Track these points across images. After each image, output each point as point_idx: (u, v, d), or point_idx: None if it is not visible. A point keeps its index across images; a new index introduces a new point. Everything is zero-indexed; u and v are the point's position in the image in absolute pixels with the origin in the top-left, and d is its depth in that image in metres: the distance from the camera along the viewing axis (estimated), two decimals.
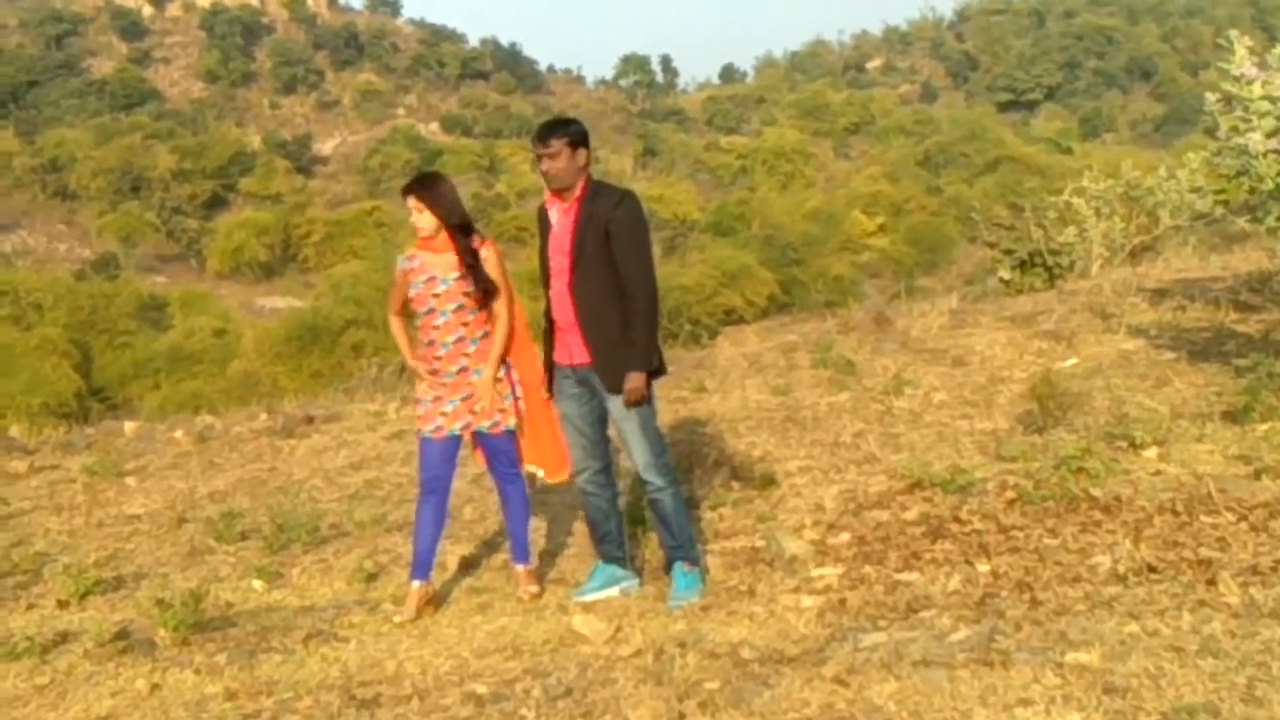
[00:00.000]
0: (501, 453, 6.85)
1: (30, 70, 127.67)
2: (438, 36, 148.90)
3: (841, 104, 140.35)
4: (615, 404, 6.40)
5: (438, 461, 6.78)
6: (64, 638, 6.85)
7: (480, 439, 6.86)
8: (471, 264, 6.63)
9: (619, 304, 6.29)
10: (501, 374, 6.81)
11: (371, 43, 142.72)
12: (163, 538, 8.90)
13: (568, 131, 6.34)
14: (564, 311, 6.45)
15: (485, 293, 6.66)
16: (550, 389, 6.66)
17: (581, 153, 6.35)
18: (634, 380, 6.29)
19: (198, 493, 10.05)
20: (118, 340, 68.24)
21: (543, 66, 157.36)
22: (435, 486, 6.80)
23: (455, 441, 6.81)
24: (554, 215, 6.46)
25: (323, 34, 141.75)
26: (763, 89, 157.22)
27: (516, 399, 6.85)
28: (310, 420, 12.09)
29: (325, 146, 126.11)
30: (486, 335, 6.76)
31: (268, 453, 11.23)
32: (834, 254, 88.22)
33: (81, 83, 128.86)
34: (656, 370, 6.46)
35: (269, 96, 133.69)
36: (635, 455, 6.45)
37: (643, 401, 6.34)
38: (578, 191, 6.37)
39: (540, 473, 7.02)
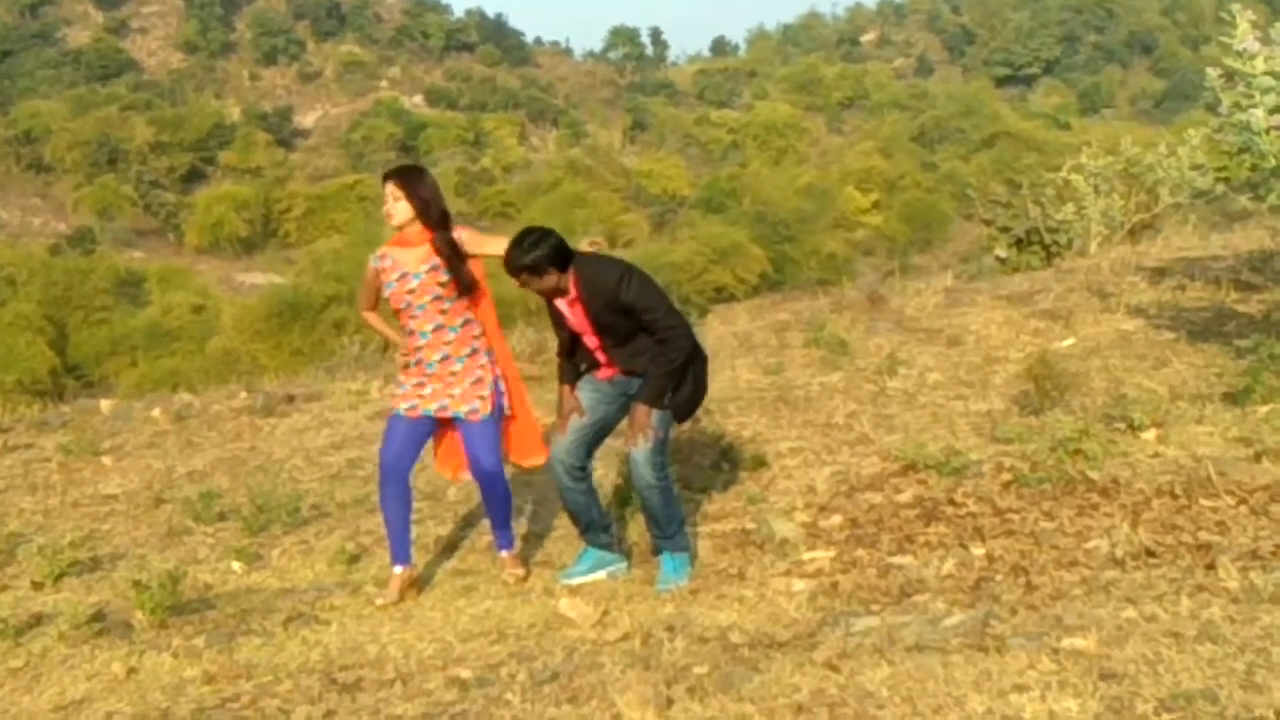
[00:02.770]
0: (479, 441, 6.68)
1: (4, 40, 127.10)
2: (421, 7, 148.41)
3: (835, 78, 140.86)
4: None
5: (403, 440, 6.63)
6: (38, 620, 6.78)
7: (459, 426, 6.71)
8: (450, 257, 6.50)
9: (647, 340, 6.30)
10: (485, 361, 6.66)
11: (354, 13, 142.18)
12: (140, 518, 8.81)
13: (530, 265, 6.19)
14: (610, 362, 6.48)
15: (466, 287, 6.55)
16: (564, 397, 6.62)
17: (554, 270, 6.23)
18: (641, 414, 6.25)
19: (176, 472, 9.95)
20: (94, 316, 68.41)
21: (529, 38, 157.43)
22: (395, 474, 6.64)
23: (426, 424, 6.67)
24: (562, 307, 6.41)
25: (304, 3, 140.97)
26: (755, 62, 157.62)
27: (499, 393, 6.72)
28: (291, 399, 11.99)
29: (307, 119, 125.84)
30: (467, 323, 6.63)
31: (247, 432, 11.13)
32: (827, 231, 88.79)
33: (57, 53, 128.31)
34: (683, 411, 6.46)
35: (249, 67, 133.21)
36: (637, 446, 6.33)
37: (652, 437, 6.26)
38: (571, 291, 6.30)
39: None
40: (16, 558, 7.89)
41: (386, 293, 6.59)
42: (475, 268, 6.62)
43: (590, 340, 6.43)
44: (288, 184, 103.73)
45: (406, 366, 6.68)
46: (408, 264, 6.53)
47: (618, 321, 6.28)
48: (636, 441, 6.26)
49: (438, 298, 6.52)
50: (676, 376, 6.28)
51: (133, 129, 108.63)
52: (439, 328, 6.55)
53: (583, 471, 6.54)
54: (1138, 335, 10.10)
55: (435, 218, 6.51)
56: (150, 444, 10.95)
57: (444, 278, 6.50)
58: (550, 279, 6.23)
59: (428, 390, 6.59)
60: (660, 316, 6.22)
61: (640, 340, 6.31)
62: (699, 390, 6.47)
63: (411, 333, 6.59)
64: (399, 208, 6.51)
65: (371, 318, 6.89)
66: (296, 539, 7.92)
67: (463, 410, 6.60)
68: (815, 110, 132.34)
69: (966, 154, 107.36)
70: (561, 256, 6.22)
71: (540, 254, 6.18)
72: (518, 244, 6.25)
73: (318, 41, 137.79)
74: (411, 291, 6.51)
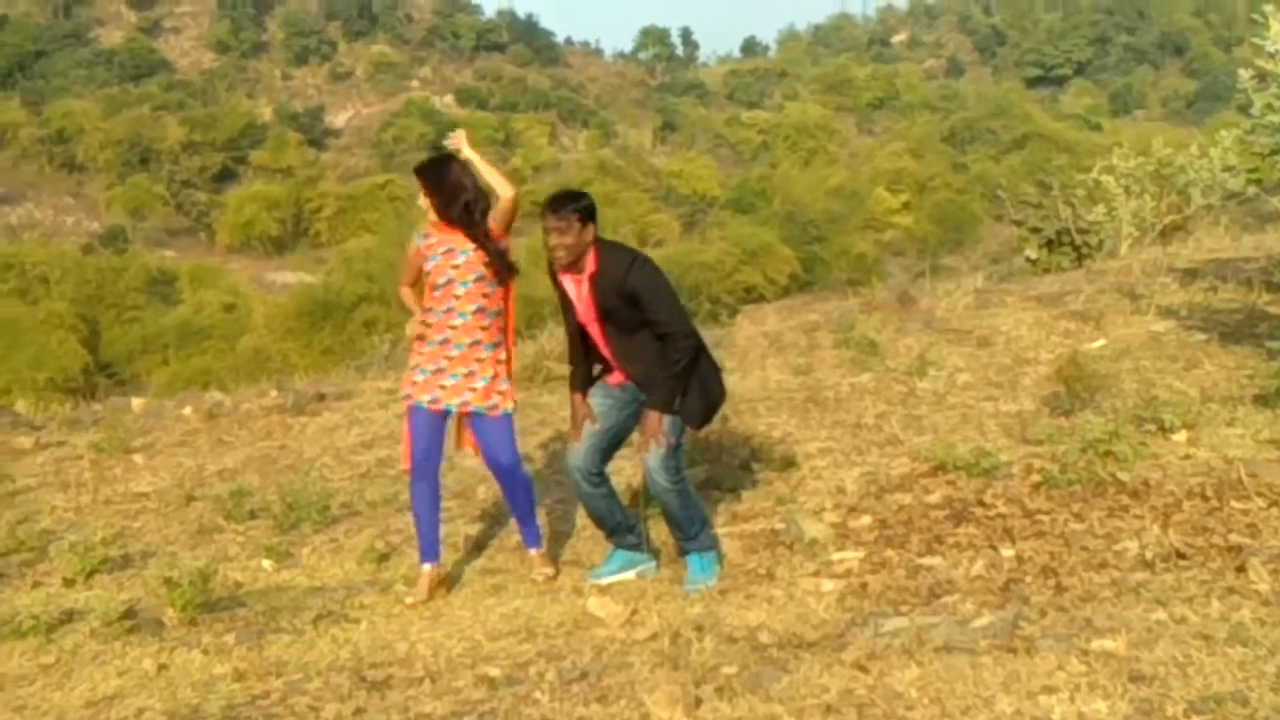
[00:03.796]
0: (498, 437, 6.68)
1: (37, 39, 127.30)
2: (453, 7, 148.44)
3: (866, 79, 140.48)
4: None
5: (428, 436, 6.62)
6: (70, 616, 6.81)
7: (475, 422, 6.69)
8: (484, 247, 6.49)
9: (654, 342, 6.26)
10: (503, 356, 6.68)
11: (385, 13, 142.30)
12: (171, 516, 8.84)
13: (579, 206, 6.22)
14: (612, 359, 6.45)
15: (505, 271, 6.54)
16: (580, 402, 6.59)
17: (590, 228, 6.24)
18: (652, 420, 6.23)
19: (206, 470, 9.98)
20: (126, 315, 68.61)
21: (560, 39, 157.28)
22: (427, 467, 6.66)
23: (446, 417, 6.67)
24: (569, 288, 6.39)
25: (335, 4, 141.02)
26: (785, 63, 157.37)
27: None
28: (321, 398, 12.00)
29: (338, 119, 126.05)
30: (500, 313, 6.63)
31: (278, 430, 11.14)
32: (857, 232, 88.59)
33: (90, 52, 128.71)
34: (695, 417, 6.41)
35: (280, 67, 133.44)
36: (650, 452, 6.31)
37: (664, 443, 6.24)
38: (589, 267, 6.27)
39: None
40: (48, 555, 7.93)
41: (429, 266, 6.54)
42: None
43: (594, 329, 6.37)
44: (319, 183, 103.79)
45: (421, 338, 6.59)
46: (455, 241, 6.51)
47: (622, 309, 6.23)
48: (648, 447, 6.25)
49: (481, 278, 6.50)
50: (684, 381, 6.26)
51: (165, 129, 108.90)
52: (480, 310, 6.54)
53: (600, 477, 6.53)
54: (1169, 337, 10.04)
55: (456, 215, 6.48)
56: (181, 442, 10.98)
57: (489, 258, 6.50)
58: (570, 236, 6.14)
59: (449, 381, 6.56)
60: (664, 312, 6.19)
61: (641, 339, 6.26)
62: (710, 396, 6.42)
63: (450, 310, 6.53)
64: (427, 203, 6.53)
65: (407, 293, 6.82)
66: (327, 537, 7.93)
67: (484, 406, 6.60)
68: (846, 111, 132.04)
69: (997, 155, 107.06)
70: (590, 212, 6.24)
71: (578, 204, 6.19)
72: (560, 192, 6.34)
73: (349, 41, 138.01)
74: (456, 267, 6.49)
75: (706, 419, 6.55)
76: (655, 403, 6.23)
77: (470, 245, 6.49)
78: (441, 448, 6.73)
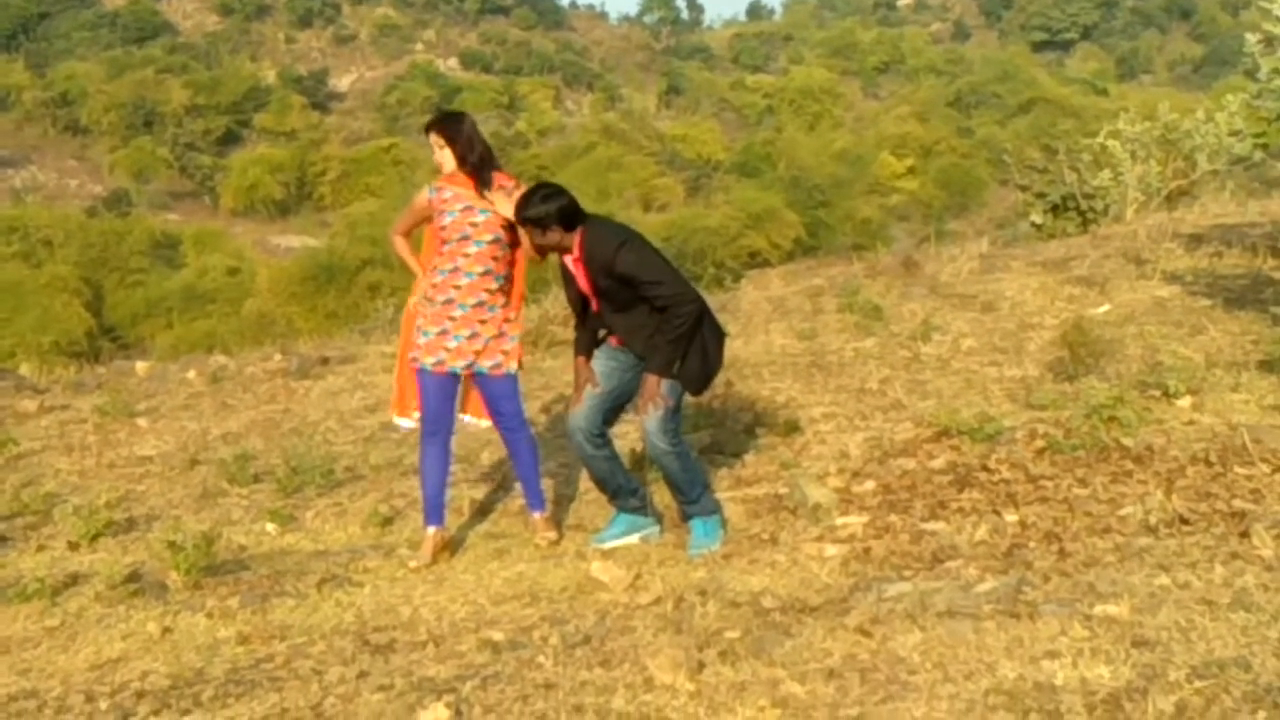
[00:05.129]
0: (504, 398, 6.70)
1: (41, 1, 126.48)
2: None
3: (871, 42, 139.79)
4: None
5: (437, 398, 6.64)
6: (74, 579, 6.82)
7: (480, 381, 6.70)
8: (491, 200, 6.51)
9: (652, 314, 6.27)
10: (510, 316, 6.70)
11: None
12: (175, 479, 8.86)
13: (530, 216, 6.24)
14: (613, 331, 6.49)
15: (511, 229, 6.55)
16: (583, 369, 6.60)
17: (555, 229, 6.25)
18: (650, 383, 6.23)
19: (210, 434, 9.99)
20: (130, 278, 68.55)
21: (564, 1, 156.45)
22: (438, 427, 6.67)
23: (455, 380, 6.68)
24: (569, 264, 6.42)
25: None
26: (790, 26, 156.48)
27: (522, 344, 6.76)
28: (325, 361, 12.01)
29: (342, 82, 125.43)
30: (508, 277, 6.65)
31: (282, 394, 11.15)
32: (862, 196, 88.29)
33: (93, 15, 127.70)
34: (694, 383, 6.42)
35: (284, 30, 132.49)
36: (648, 415, 6.31)
37: (662, 406, 6.25)
38: (576, 250, 6.30)
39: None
40: (53, 518, 7.96)
41: (446, 220, 6.51)
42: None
43: (594, 302, 6.41)
44: (323, 147, 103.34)
45: (428, 301, 6.61)
46: (472, 199, 6.51)
47: (614, 288, 6.25)
48: (647, 410, 6.24)
49: (496, 240, 6.52)
50: (684, 345, 6.25)
51: (169, 91, 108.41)
52: (486, 272, 6.55)
53: (602, 438, 6.53)
54: (1174, 302, 10.01)
55: (473, 164, 6.52)
56: (185, 406, 11.00)
57: (505, 222, 6.51)
58: (553, 236, 6.25)
59: (452, 343, 6.56)
60: (662, 289, 6.18)
61: (639, 313, 6.28)
62: (709, 362, 6.41)
63: (456, 269, 6.54)
64: (444, 155, 6.53)
65: (400, 243, 6.86)
66: (330, 501, 7.95)
67: (486, 365, 6.62)
68: (851, 75, 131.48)
69: (1003, 119, 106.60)
70: (568, 218, 6.24)
71: (546, 209, 6.21)
72: (530, 195, 6.30)
73: (353, 4, 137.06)
74: (475, 225, 6.49)
75: (705, 384, 6.55)
76: (654, 366, 6.23)
77: (490, 205, 6.49)
78: (453, 410, 6.74)
